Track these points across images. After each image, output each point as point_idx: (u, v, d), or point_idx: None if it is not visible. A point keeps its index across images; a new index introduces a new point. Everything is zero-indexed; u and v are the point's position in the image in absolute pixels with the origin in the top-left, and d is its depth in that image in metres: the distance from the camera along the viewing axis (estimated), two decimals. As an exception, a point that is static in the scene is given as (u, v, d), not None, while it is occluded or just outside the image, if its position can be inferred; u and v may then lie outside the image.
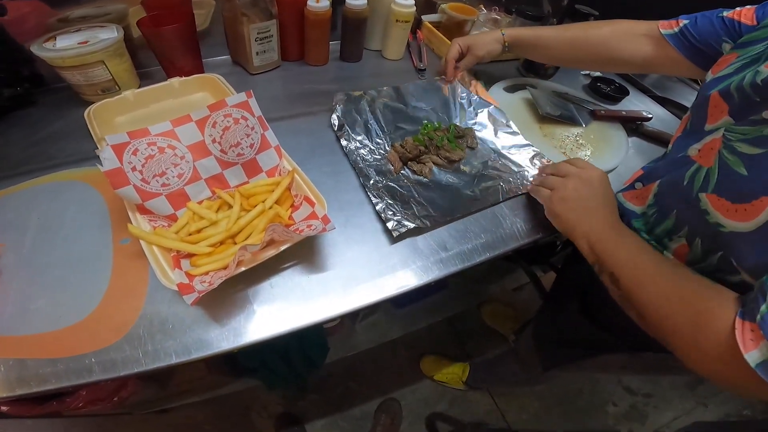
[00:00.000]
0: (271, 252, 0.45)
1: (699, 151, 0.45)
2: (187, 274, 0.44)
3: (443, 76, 0.76)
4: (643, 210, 0.52)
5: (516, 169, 0.64)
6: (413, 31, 0.90)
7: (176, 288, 0.40)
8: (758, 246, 0.35)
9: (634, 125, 0.78)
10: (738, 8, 0.52)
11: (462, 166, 0.64)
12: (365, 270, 0.51)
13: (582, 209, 0.49)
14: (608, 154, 0.70)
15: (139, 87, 0.68)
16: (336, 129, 0.65)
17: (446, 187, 0.60)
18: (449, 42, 0.85)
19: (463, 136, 0.68)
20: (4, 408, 0.57)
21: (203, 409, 1.17)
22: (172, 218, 0.49)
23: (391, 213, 0.54)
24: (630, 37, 0.63)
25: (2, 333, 0.41)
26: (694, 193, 0.42)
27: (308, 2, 0.71)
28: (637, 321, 0.41)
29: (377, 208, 0.54)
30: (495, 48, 0.73)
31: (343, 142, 0.63)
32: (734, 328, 0.31)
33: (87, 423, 1.14)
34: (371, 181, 0.58)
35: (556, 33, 0.69)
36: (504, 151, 0.67)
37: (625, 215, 0.54)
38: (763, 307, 0.30)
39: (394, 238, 0.53)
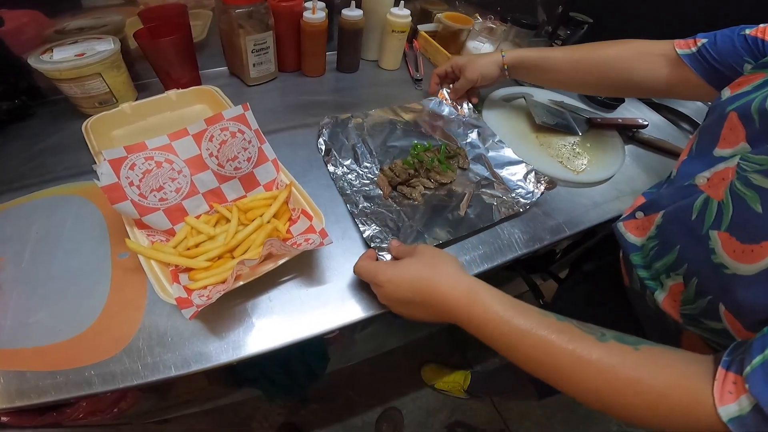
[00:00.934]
0: (269, 266, 0.46)
1: (708, 180, 0.42)
2: (186, 289, 0.44)
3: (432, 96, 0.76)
4: (642, 242, 0.50)
5: (510, 187, 0.63)
6: (409, 41, 0.92)
7: (174, 302, 0.41)
8: (757, 290, 0.33)
9: (630, 133, 0.78)
10: (762, 25, 0.49)
11: (454, 188, 0.63)
12: (363, 282, 0.51)
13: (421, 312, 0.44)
14: (605, 162, 0.71)
15: (137, 99, 0.69)
16: (323, 154, 0.65)
17: (438, 211, 0.59)
18: (445, 51, 0.86)
19: (455, 157, 0.66)
20: (4, 419, 0.57)
21: (204, 419, 1.17)
22: (170, 233, 0.50)
23: (378, 240, 0.53)
24: (644, 58, 0.60)
25: (2, 346, 0.42)
26: (704, 230, 0.39)
27: (304, 14, 0.73)
28: None
29: (365, 235, 0.53)
30: (491, 71, 0.69)
31: (330, 168, 0.62)
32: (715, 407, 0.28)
33: (86, 434, 1.13)
34: (359, 208, 0.57)
35: (563, 55, 0.66)
36: (497, 170, 0.66)
37: (623, 248, 0.52)
38: (756, 359, 0.27)
39: None
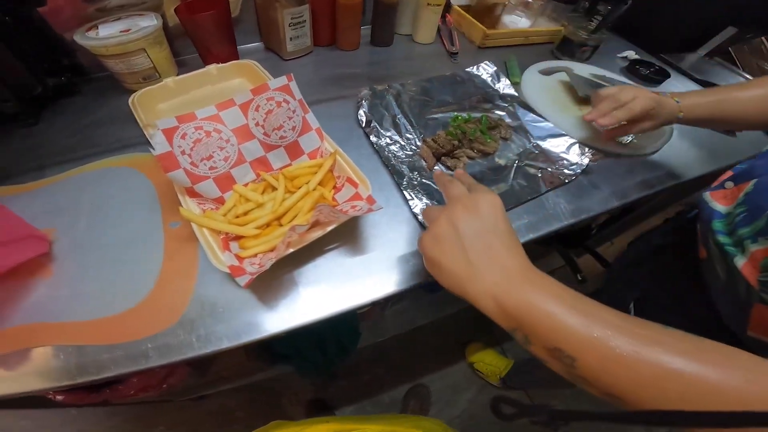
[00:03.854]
0: (317, 233, 0.45)
1: None
2: (237, 257, 0.44)
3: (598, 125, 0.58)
4: (728, 210, 0.47)
5: (554, 158, 0.61)
6: (442, 16, 0.88)
7: (228, 270, 0.40)
8: None
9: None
10: None
11: (497, 159, 0.61)
12: (409, 249, 0.50)
13: (473, 252, 0.32)
14: (652, 135, 0.67)
15: (177, 75, 0.68)
16: (363, 125, 0.63)
17: (482, 182, 0.56)
18: (480, 25, 0.83)
19: (496, 127, 0.64)
20: (59, 397, 0.57)
21: (236, 396, 1.18)
22: (220, 201, 0.49)
23: None
24: None
25: (59, 319, 0.42)
26: None
27: (340, -14, 0.70)
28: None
29: (414, 210, 0.52)
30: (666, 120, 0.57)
31: (373, 139, 0.61)
32: None
33: (128, 411, 1.17)
34: (405, 179, 0.55)
35: (747, 94, 0.54)
36: (539, 141, 0.64)
37: (706, 214, 0.50)
38: None
39: None
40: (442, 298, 1.14)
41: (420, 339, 1.31)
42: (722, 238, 0.47)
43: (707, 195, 0.51)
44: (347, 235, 0.50)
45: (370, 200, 0.46)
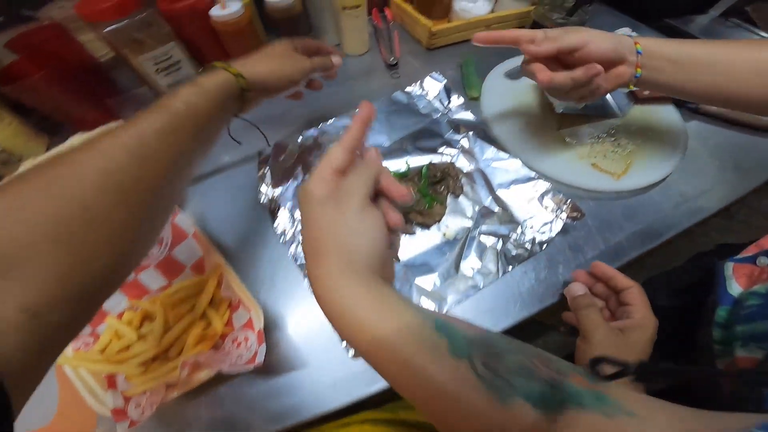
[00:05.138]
0: (203, 374, 0.44)
1: None
2: (123, 396, 0.44)
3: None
4: (744, 295, 0.43)
5: (519, 218, 0.54)
6: (381, 11, 0.78)
7: (110, 415, 0.41)
8: None
9: (693, 105, 0.65)
10: None
11: (443, 231, 0.54)
12: (336, 367, 0.47)
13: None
14: (659, 153, 0.60)
15: (48, 147, 0.64)
16: (270, 211, 0.57)
17: (421, 269, 0.51)
18: (424, 20, 0.75)
19: (443, 180, 0.57)
20: None
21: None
22: (94, 336, 0.48)
23: None
24: None
25: None
26: None
27: (211, 11, 0.62)
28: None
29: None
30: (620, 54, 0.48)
31: (280, 227, 0.54)
32: None
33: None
34: None
35: (728, 51, 0.45)
36: (500, 192, 0.57)
37: (718, 295, 0.45)
38: None
39: None
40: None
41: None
42: (716, 332, 0.44)
43: (729, 267, 0.47)
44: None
45: (260, 338, 0.44)
